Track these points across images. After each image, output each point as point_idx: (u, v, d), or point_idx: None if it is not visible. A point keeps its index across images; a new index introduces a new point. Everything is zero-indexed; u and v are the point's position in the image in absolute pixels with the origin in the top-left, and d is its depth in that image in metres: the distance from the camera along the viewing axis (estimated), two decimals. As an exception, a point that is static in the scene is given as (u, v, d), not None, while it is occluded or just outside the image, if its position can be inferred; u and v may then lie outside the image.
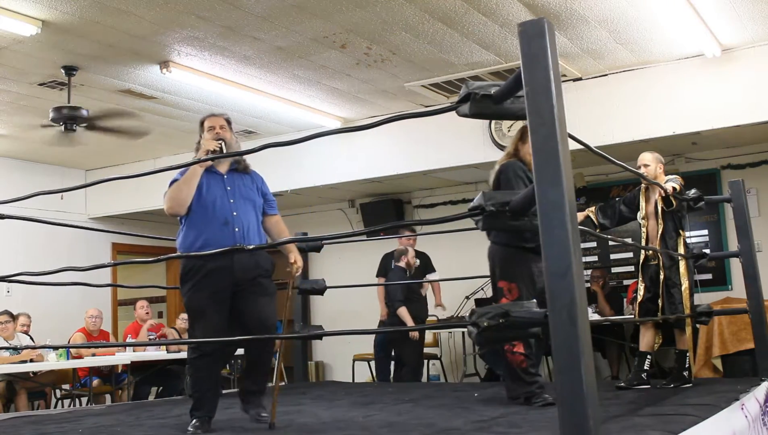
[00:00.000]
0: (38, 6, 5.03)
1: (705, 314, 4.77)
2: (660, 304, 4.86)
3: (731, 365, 6.67)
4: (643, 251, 5.01)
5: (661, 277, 4.87)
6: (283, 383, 7.34)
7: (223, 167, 3.82)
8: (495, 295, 4.18)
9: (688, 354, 4.93)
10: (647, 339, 5.04)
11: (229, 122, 3.92)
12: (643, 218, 5.00)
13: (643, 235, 5.02)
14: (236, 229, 3.66)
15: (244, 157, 3.84)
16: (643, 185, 5.03)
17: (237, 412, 4.07)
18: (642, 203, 5.02)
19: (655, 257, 4.93)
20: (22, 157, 8.88)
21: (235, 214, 3.69)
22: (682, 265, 4.85)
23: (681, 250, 4.85)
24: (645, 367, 4.96)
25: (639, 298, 5.01)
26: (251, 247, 3.23)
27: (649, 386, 4.85)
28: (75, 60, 6.03)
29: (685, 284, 4.83)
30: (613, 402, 4.04)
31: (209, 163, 3.72)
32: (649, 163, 4.98)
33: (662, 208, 4.87)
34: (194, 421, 3.64)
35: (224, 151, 3.68)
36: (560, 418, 1.75)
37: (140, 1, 5.04)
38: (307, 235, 5.83)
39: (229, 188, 3.76)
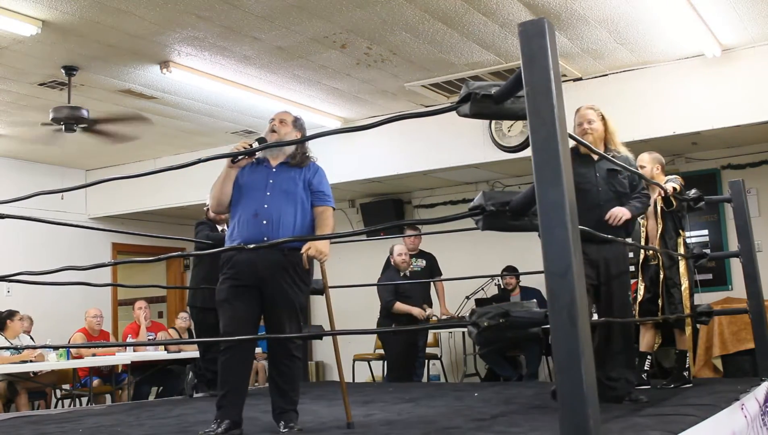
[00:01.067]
0: (38, 6, 5.03)
1: (705, 314, 4.77)
2: (660, 304, 4.87)
3: (731, 365, 6.67)
4: (642, 251, 5.02)
5: (661, 277, 4.87)
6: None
7: (275, 160, 3.79)
8: None
9: (688, 354, 4.93)
10: (647, 339, 5.04)
11: (296, 120, 3.89)
12: (642, 218, 5.00)
13: (643, 235, 5.02)
14: (264, 222, 3.60)
15: (305, 149, 3.82)
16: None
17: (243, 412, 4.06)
18: (642, 203, 5.01)
19: (655, 257, 4.94)
20: (22, 157, 8.88)
21: (266, 206, 3.63)
22: (681, 265, 4.85)
23: (681, 250, 4.85)
24: (645, 368, 4.96)
25: (639, 298, 5.01)
26: (252, 246, 3.21)
27: (649, 386, 4.85)
28: (75, 60, 6.03)
29: (685, 284, 4.83)
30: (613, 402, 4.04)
31: (244, 161, 3.72)
32: (645, 164, 4.98)
33: (662, 208, 4.87)
34: (215, 421, 3.49)
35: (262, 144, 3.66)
36: (560, 418, 1.76)
37: (140, 1, 5.04)
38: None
39: (271, 181, 3.71)
